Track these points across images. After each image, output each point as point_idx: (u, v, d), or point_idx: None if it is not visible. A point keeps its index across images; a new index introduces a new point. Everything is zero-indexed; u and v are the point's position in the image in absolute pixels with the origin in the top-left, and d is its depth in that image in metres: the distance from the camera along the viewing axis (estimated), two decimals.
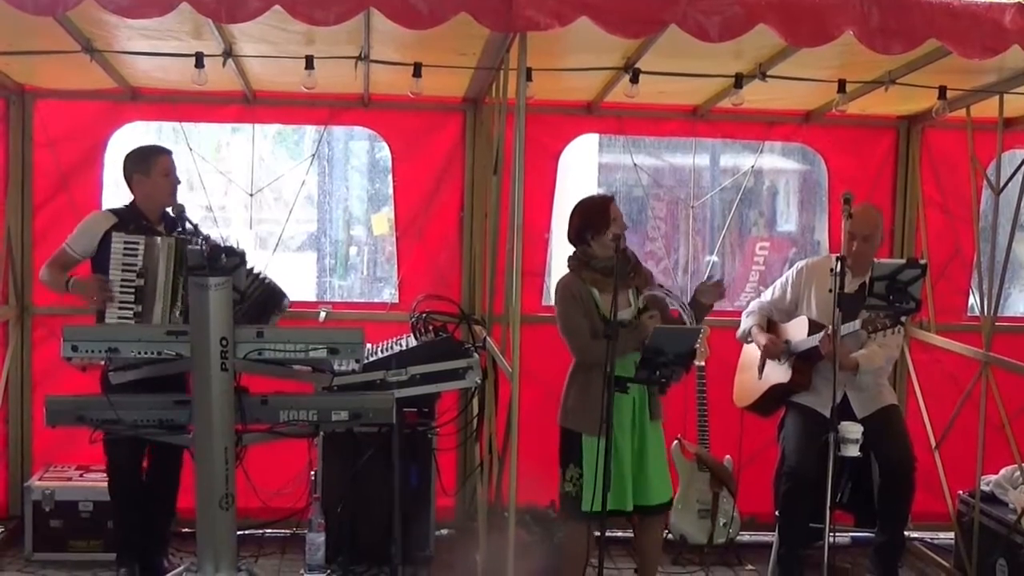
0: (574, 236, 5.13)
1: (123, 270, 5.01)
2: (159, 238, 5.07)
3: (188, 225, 4.82)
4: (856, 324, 5.35)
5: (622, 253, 4.97)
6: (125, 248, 5.03)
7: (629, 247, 5.14)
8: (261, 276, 5.38)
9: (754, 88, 5.61)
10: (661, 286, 5.14)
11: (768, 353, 5.77)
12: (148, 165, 5.31)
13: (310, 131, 7.14)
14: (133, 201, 5.38)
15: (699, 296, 5.02)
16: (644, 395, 5.01)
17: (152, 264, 5.01)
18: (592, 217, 5.06)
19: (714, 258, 8.04)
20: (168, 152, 5.41)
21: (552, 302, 5.19)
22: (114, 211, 5.38)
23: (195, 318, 4.22)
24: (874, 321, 5.30)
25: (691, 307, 4.98)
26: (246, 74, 5.90)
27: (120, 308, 5.00)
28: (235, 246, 4.85)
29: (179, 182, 5.40)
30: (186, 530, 5.60)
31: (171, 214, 4.89)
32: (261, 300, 5.34)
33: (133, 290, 4.99)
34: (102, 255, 5.13)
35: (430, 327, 5.44)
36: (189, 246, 4.57)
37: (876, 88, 5.61)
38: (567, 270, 5.16)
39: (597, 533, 4.87)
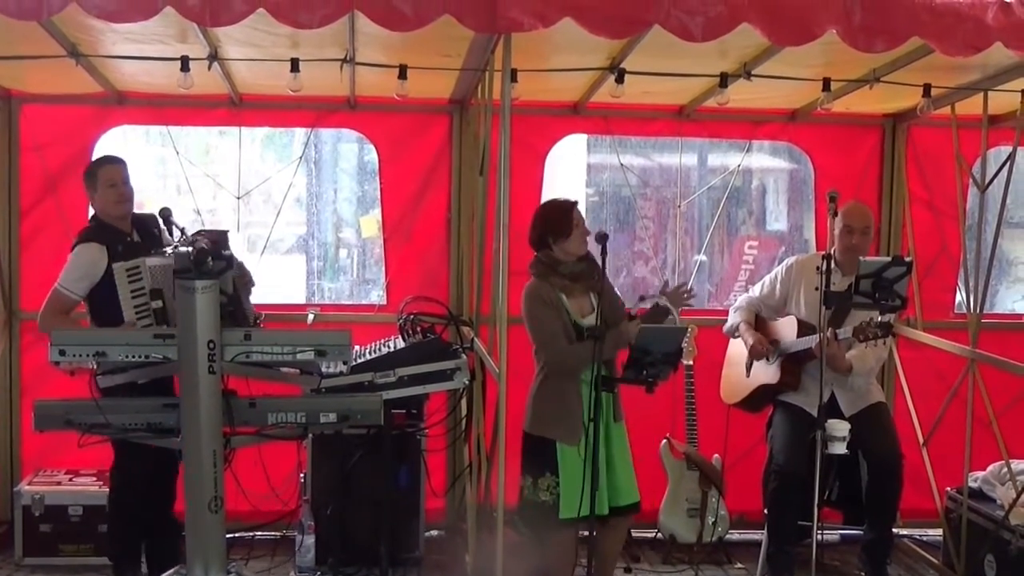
0: (536, 240, 5.13)
1: (134, 297, 4.86)
2: (157, 259, 4.83)
3: (175, 228, 4.81)
4: (848, 332, 5.38)
5: (585, 257, 5.00)
6: (129, 277, 4.87)
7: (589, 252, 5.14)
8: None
9: (739, 87, 5.63)
10: (643, 297, 5.15)
11: (755, 354, 5.78)
12: (94, 179, 5.27)
13: (299, 133, 7.12)
14: (95, 216, 5.33)
15: (668, 300, 5.06)
16: (609, 398, 4.99)
17: (163, 284, 4.75)
18: (554, 222, 5.07)
19: (702, 257, 8.04)
20: (114, 161, 5.33)
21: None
22: (92, 238, 5.22)
23: (182, 321, 4.22)
24: (865, 330, 5.32)
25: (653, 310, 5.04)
26: (232, 77, 5.90)
27: None
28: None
29: (132, 191, 5.32)
30: None
31: (157, 216, 4.87)
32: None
33: (151, 312, 4.77)
34: (101, 288, 5.07)
35: (418, 328, 5.43)
36: (177, 250, 4.54)
37: (861, 86, 5.64)
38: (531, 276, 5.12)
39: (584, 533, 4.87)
